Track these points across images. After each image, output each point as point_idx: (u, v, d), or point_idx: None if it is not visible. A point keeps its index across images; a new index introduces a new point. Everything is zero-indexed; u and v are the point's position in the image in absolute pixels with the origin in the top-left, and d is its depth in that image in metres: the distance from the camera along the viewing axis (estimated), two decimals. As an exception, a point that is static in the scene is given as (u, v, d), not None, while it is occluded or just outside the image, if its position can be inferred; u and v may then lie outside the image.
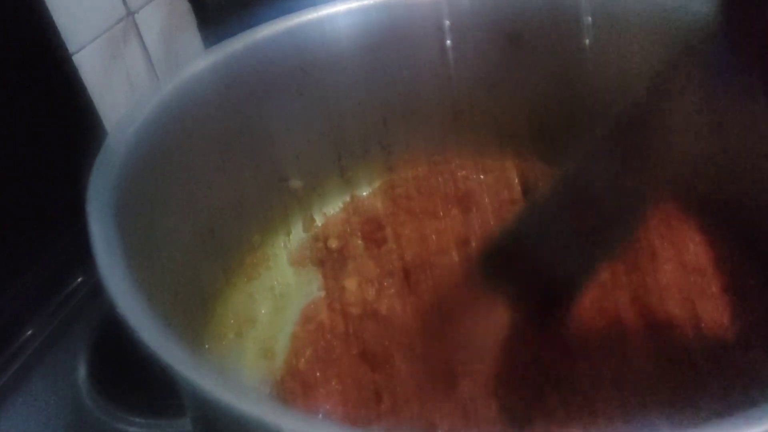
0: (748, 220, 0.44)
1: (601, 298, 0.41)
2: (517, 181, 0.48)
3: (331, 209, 0.52)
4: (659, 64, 0.37)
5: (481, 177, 0.51)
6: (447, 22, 0.47)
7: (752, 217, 0.43)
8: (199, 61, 0.43)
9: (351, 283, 0.46)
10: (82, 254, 0.53)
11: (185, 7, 0.67)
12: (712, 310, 0.41)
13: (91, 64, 0.56)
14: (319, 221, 0.52)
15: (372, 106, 0.49)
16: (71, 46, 0.54)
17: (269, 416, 0.22)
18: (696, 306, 0.41)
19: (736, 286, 0.42)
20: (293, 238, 0.51)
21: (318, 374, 0.40)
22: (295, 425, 0.22)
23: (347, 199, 0.53)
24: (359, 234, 0.50)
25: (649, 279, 0.42)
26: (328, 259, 0.49)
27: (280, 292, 0.48)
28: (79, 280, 0.56)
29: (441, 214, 0.49)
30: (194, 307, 0.41)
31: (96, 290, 0.55)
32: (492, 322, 0.39)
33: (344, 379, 0.40)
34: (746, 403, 0.22)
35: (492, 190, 0.49)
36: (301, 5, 0.46)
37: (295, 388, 0.40)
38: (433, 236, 0.47)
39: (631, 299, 0.42)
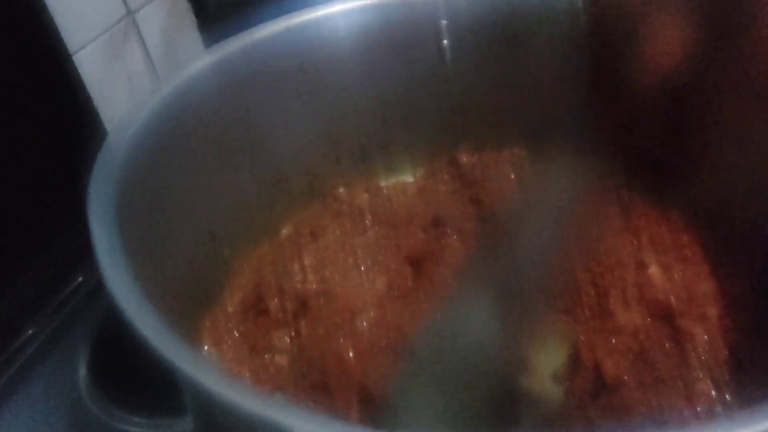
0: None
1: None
2: (514, 178, 0.49)
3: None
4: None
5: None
6: (444, 22, 0.47)
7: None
8: (199, 61, 0.43)
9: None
10: (82, 254, 0.53)
11: (185, 7, 0.68)
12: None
13: (91, 64, 0.57)
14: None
15: (371, 107, 0.49)
16: (71, 46, 0.55)
17: (273, 414, 0.22)
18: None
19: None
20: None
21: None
22: (298, 423, 0.22)
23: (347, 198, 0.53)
24: None
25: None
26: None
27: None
28: (79, 280, 0.56)
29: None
30: (194, 307, 0.41)
31: (96, 290, 0.55)
32: None
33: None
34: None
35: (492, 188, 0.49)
36: (300, 5, 0.46)
37: None
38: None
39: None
